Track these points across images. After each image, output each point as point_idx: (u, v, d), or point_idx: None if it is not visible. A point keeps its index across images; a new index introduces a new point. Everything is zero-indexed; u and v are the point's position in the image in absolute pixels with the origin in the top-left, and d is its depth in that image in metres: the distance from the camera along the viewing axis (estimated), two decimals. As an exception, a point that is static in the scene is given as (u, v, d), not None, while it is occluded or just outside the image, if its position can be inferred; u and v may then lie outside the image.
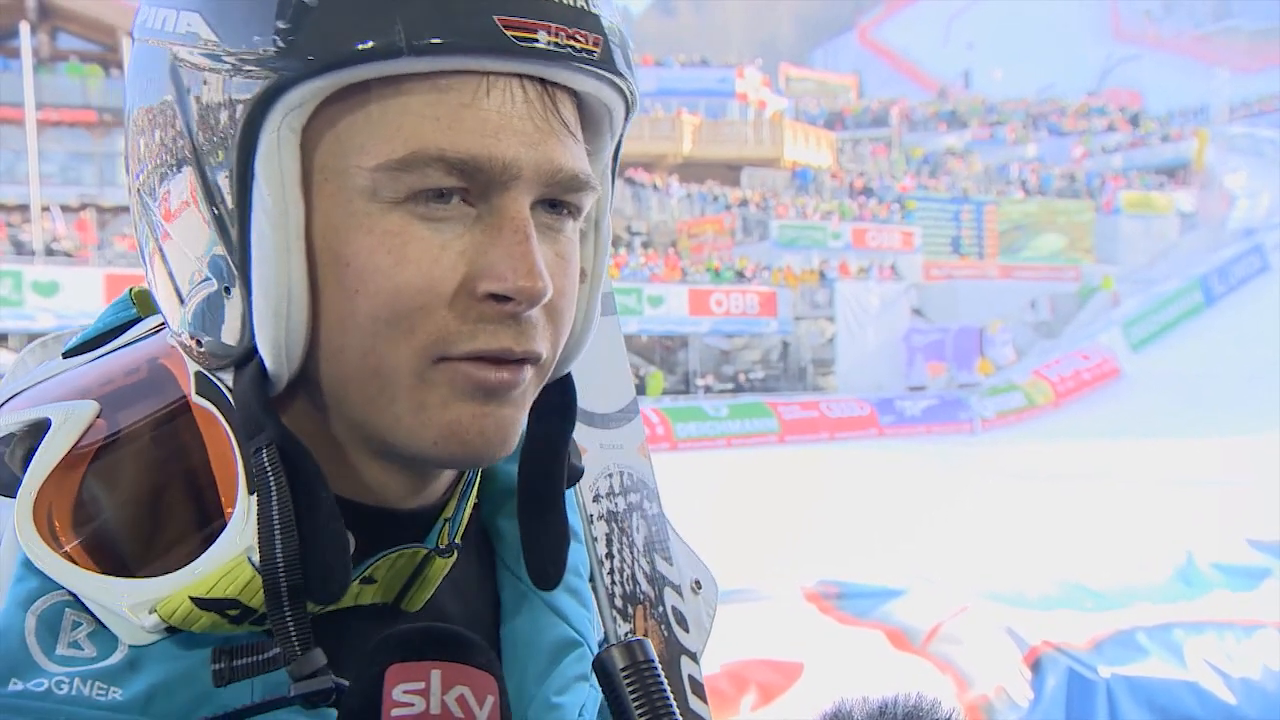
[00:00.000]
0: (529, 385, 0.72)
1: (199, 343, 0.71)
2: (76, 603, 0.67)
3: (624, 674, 0.70)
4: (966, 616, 4.01)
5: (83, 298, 20.50)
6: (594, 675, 0.81)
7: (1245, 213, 39.74)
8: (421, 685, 0.67)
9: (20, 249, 23.84)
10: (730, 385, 29.13)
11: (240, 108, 0.64)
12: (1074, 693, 3.70)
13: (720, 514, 12.04)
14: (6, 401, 0.77)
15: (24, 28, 27.90)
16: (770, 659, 3.69)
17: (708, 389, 28.33)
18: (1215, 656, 3.91)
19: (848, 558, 7.90)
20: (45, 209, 26.25)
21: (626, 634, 0.93)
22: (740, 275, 30.05)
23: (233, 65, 0.65)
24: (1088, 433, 22.64)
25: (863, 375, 28.36)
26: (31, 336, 21.34)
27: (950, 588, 4.38)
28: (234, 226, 0.66)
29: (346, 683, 0.67)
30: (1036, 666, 3.79)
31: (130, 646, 0.67)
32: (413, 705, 0.66)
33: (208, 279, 0.69)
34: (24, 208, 26.91)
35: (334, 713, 0.68)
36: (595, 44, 0.67)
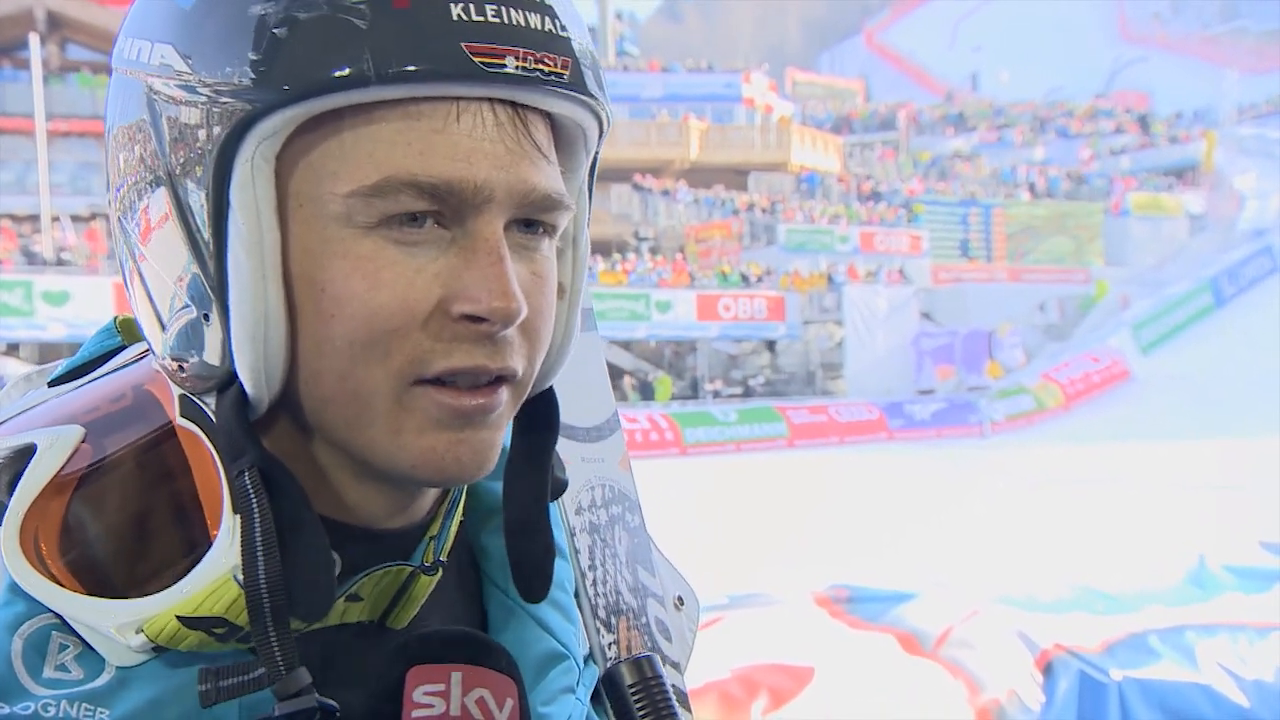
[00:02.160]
0: (506, 407, 0.73)
1: (181, 367, 0.71)
2: (64, 626, 0.68)
3: (632, 690, 0.70)
4: (978, 620, 4.00)
5: (92, 307, 20.60)
6: (603, 687, 0.85)
7: (1255, 214, 39.68)
8: (442, 687, 0.68)
9: (31, 259, 23.95)
10: (739, 390, 29.14)
11: (214, 137, 0.65)
12: (1086, 695, 3.68)
13: (730, 518, 12.05)
14: None
15: (33, 39, 27.99)
16: (781, 663, 3.68)
17: (716, 394, 28.34)
18: (1228, 659, 3.89)
19: (858, 562, 7.89)
20: (55, 219, 26.40)
21: (610, 644, 0.93)
22: (748, 280, 30.06)
23: (207, 96, 0.65)
24: (1098, 435, 22.62)
25: (872, 379, 28.35)
26: (42, 346, 21.50)
27: (961, 592, 4.37)
28: (210, 254, 0.67)
29: (332, 702, 0.67)
30: (1048, 670, 3.77)
31: (118, 667, 0.68)
32: (433, 706, 0.67)
33: (187, 305, 0.70)
34: (34, 218, 27.05)
35: None
36: (564, 66, 0.68)
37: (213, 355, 0.69)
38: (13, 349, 21.66)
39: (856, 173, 44.59)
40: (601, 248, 32.69)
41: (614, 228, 35.07)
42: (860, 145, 53.07)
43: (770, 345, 30.71)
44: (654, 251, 33.63)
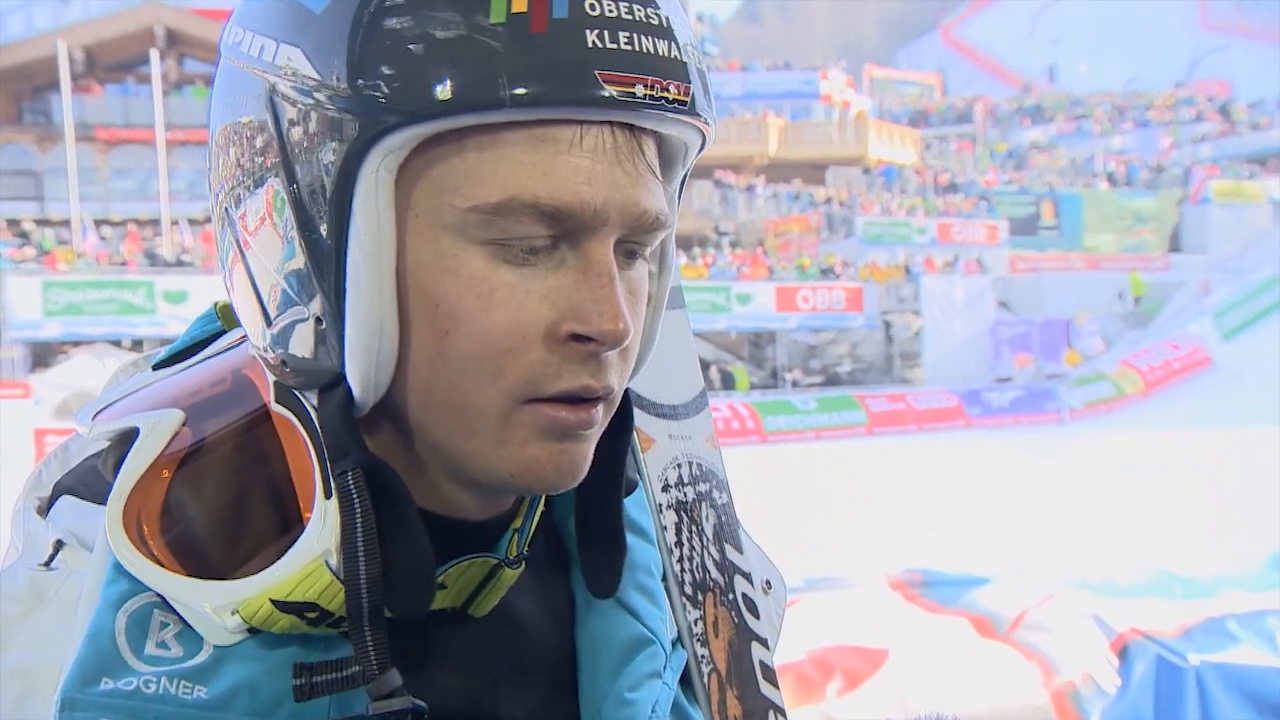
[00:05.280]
0: (601, 421, 0.75)
1: (284, 363, 0.72)
2: (165, 604, 0.70)
3: None
4: (1053, 604, 3.99)
5: (208, 304, 21.18)
6: (667, 672, 0.87)
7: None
8: None
9: (153, 260, 24.66)
10: (819, 379, 29.03)
11: (339, 148, 0.66)
12: (1162, 679, 3.65)
13: (809, 504, 12.07)
14: (99, 413, 0.80)
15: (154, 55, 29.09)
16: (855, 645, 3.72)
17: (795, 383, 28.26)
18: (1311, 644, 3.86)
19: (934, 547, 7.88)
20: (174, 223, 27.31)
21: (696, 620, 0.93)
22: (826, 272, 29.90)
23: (335, 105, 0.65)
24: (1178, 422, 22.01)
25: (950, 368, 28.03)
26: (163, 341, 22.04)
27: (1037, 576, 4.36)
28: (329, 259, 0.68)
29: (422, 704, 0.69)
30: (1124, 654, 3.73)
31: (215, 646, 0.69)
32: None
33: (296, 304, 0.70)
34: (155, 222, 28.02)
35: None
36: (685, 93, 0.68)
37: (321, 355, 0.70)
38: (137, 345, 22.26)
39: (933, 165, 44.03)
40: (683, 243, 32.65)
41: (695, 223, 35.00)
42: (937, 138, 52.33)
43: (888, 331, 30.46)
44: (734, 245, 33.50)
